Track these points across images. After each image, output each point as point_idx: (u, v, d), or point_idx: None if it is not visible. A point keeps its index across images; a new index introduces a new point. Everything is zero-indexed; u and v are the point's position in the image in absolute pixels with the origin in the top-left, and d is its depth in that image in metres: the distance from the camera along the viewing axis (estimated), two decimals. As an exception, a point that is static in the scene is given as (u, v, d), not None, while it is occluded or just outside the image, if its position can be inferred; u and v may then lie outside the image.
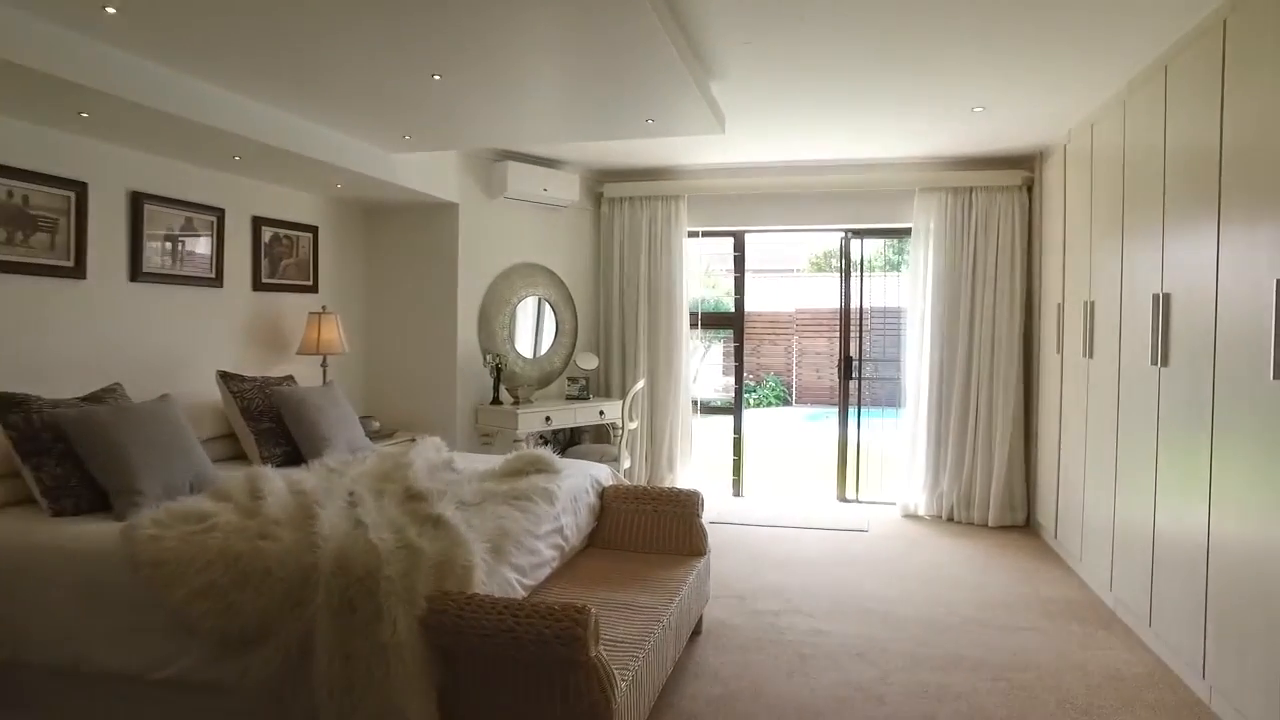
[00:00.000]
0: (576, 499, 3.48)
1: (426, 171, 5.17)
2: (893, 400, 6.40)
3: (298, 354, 4.93)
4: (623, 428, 5.68)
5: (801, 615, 3.94)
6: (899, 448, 6.11)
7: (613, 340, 6.40)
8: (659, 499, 3.69)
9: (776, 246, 24.68)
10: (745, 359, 19.35)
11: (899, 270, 6.43)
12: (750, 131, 5.03)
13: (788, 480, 9.15)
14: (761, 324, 18.23)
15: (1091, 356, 4.24)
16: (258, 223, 4.74)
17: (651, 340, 6.34)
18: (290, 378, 4.49)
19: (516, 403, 5.61)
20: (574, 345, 6.40)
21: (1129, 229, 3.73)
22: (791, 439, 12.28)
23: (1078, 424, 4.46)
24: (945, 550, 5.08)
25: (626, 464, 5.84)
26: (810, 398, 17.09)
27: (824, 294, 20.56)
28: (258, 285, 4.76)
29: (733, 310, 6.58)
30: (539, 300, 6.15)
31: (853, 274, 6.32)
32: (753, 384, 17.38)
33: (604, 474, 3.90)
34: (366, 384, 5.79)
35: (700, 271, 6.71)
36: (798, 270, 22.97)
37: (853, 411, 6.38)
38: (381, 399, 5.76)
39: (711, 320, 7.05)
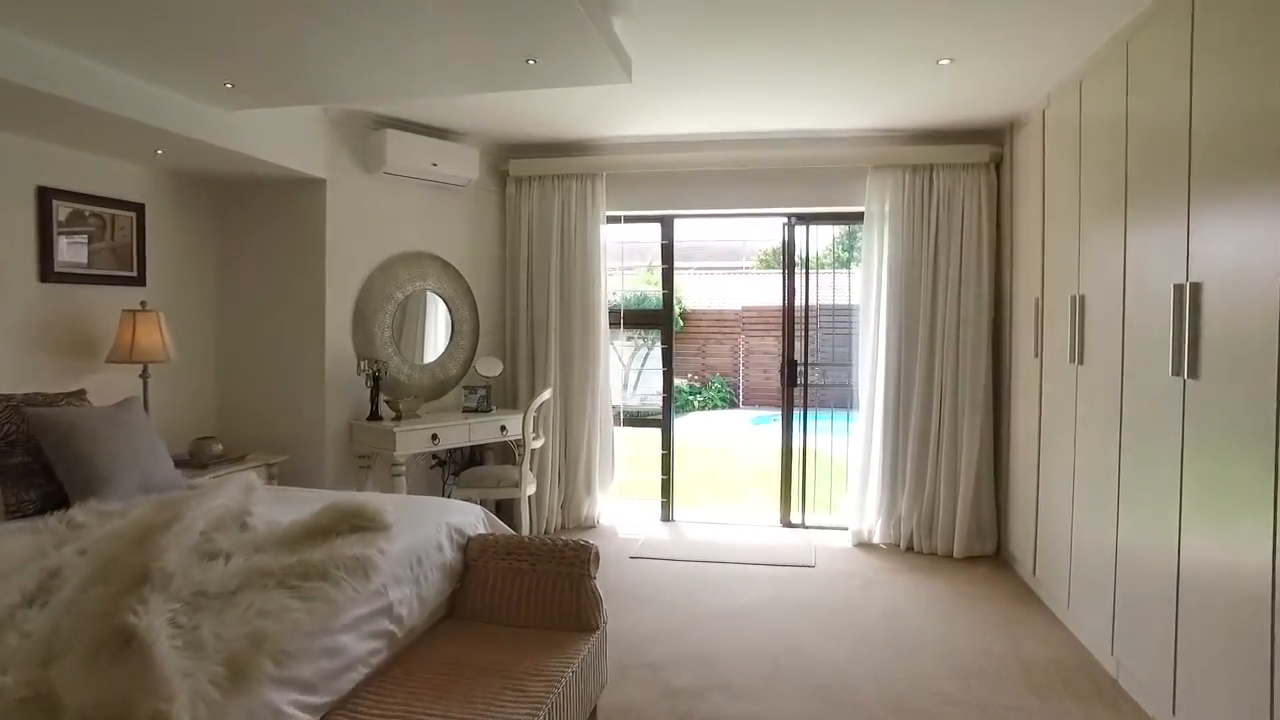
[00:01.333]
0: (421, 560, 2.57)
1: (281, 138, 4.21)
2: (844, 402, 5.61)
3: (108, 362, 3.93)
4: (525, 446, 4.76)
5: (730, 694, 3.09)
6: (852, 464, 5.31)
7: (520, 342, 5.49)
8: (540, 554, 2.80)
9: (724, 240, 23.98)
10: (689, 360, 18.23)
11: (849, 268, 5.62)
12: (670, 91, 4.17)
13: (729, 496, 8.35)
14: (707, 323, 17.46)
15: (1082, 362, 3.46)
16: (47, 195, 3.73)
17: (564, 342, 5.45)
18: (80, 393, 3.51)
19: (399, 418, 4.68)
20: (474, 348, 5.47)
21: (1137, 208, 2.95)
22: (736, 445, 11.49)
23: (1063, 442, 3.69)
24: (905, 592, 4.28)
25: (531, 489, 4.93)
26: (758, 399, 16.36)
27: (772, 292, 19.83)
28: (48, 275, 3.76)
29: (660, 307, 5.71)
30: (430, 296, 5.21)
31: (797, 266, 5.50)
32: (698, 386, 16.59)
33: (471, 519, 3.00)
34: (220, 397, 4.79)
35: (643, 266, 5.80)
36: (747, 268, 22.32)
37: (798, 420, 5.56)
38: (236, 415, 4.77)
39: (636, 319, 6.16)
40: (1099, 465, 3.25)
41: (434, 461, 5.25)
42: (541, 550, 2.80)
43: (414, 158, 4.80)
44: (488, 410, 5.10)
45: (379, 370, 4.69)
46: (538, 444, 4.98)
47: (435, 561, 2.66)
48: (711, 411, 15.81)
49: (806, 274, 5.49)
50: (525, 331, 5.47)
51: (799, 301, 5.49)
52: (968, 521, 4.83)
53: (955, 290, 4.88)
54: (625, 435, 6.15)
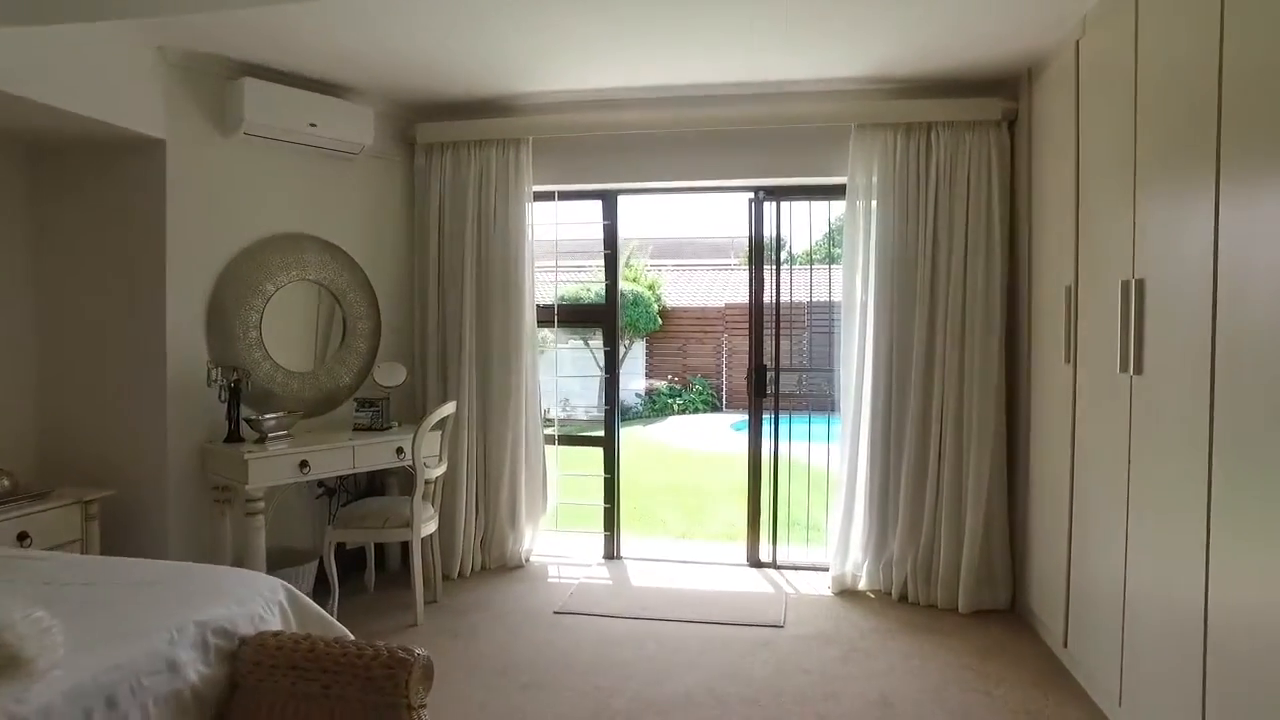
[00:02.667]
0: (116, 700, 1.60)
1: (99, 85, 3.25)
2: (826, 405, 4.66)
3: None
4: (417, 476, 3.78)
5: None
6: (834, 494, 4.36)
7: (430, 344, 4.51)
8: (339, 670, 1.83)
9: (708, 237, 23.15)
10: (669, 360, 17.11)
11: (837, 261, 4.66)
12: (604, 35, 3.21)
13: (697, 516, 7.38)
14: (688, 321, 16.52)
15: (1139, 371, 2.51)
16: None
17: (482, 344, 4.48)
18: None
19: (262, 439, 3.71)
20: (374, 352, 4.50)
21: (1236, 162, 1.99)
22: (714, 451, 10.51)
23: (1111, 473, 2.74)
24: (899, 666, 3.32)
25: (429, 528, 3.96)
26: (741, 402, 15.41)
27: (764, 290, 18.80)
28: None
29: (603, 301, 4.75)
30: (314, 289, 4.23)
31: (767, 251, 4.54)
32: (679, 388, 15.64)
33: (251, 608, 2.02)
34: (40, 413, 3.81)
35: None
36: (737, 264, 21.39)
37: (768, 435, 4.60)
38: (54, 436, 3.79)
39: (576, 315, 5.18)
40: (1172, 504, 2.30)
41: (320, 491, 4.27)
42: (341, 664, 1.83)
43: (284, 116, 3.82)
44: (384, 428, 4.12)
45: (238, 380, 3.72)
46: (436, 471, 4.00)
47: (160, 693, 1.69)
48: (692, 415, 14.87)
49: (778, 261, 4.52)
50: (436, 331, 4.50)
51: (769, 296, 4.53)
52: (975, 568, 3.87)
53: (959, 280, 3.93)
54: (580, 454, 5.21)
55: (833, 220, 4.50)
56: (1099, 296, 2.85)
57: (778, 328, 4.53)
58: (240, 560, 3.60)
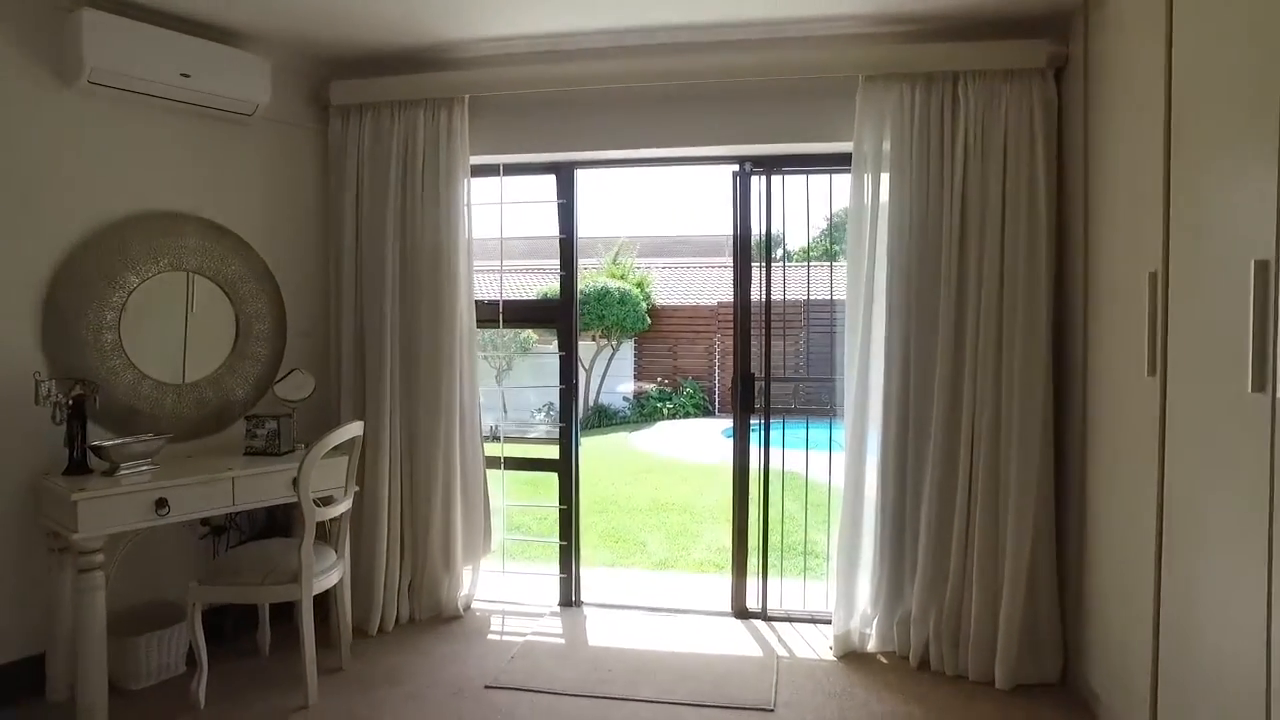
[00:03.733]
0: None
1: None
2: (828, 414, 3.87)
3: None
4: (305, 516, 2.96)
5: None
6: (837, 530, 3.57)
7: (345, 350, 3.71)
8: None
9: (707, 235, 22.45)
10: (659, 361, 16.07)
11: (840, 258, 3.86)
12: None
13: (680, 540, 6.56)
14: (679, 320, 15.72)
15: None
16: None
17: (408, 349, 3.68)
18: None
19: (113, 470, 2.91)
20: (277, 359, 3.69)
21: None
22: (704, 460, 9.66)
23: (1244, 523, 1.94)
24: (923, 772, 2.53)
25: (331, 579, 3.14)
26: (736, 406, 14.60)
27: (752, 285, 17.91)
28: None
29: (558, 296, 3.94)
30: (196, 281, 3.42)
31: (754, 238, 3.75)
32: (669, 390, 14.85)
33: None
34: None
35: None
36: (728, 263, 20.60)
37: (758, 455, 3.81)
38: None
39: (526, 314, 4.36)
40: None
41: (204, 530, 3.46)
42: None
43: (144, 61, 3.02)
44: (281, 452, 3.32)
45: (80, 396, 2.91)
46: (337, 509, 3.18)
47: None
48: (682, 420, 14.07)
49: (768, 249, 3.73)
50: (354, 333, 3.70)
51: (759, 291, 3.74)
52: (1017, 630, 3.08)
53: (994, 270, 3.14)
54: (538, 481, 4.41)
55: (836, 201, 3.70)
56: (1208, 285, 2.06)
57: (768, 329, 3.73)
58: (79, 628, 2.80)
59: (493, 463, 3.98)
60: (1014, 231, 3.11)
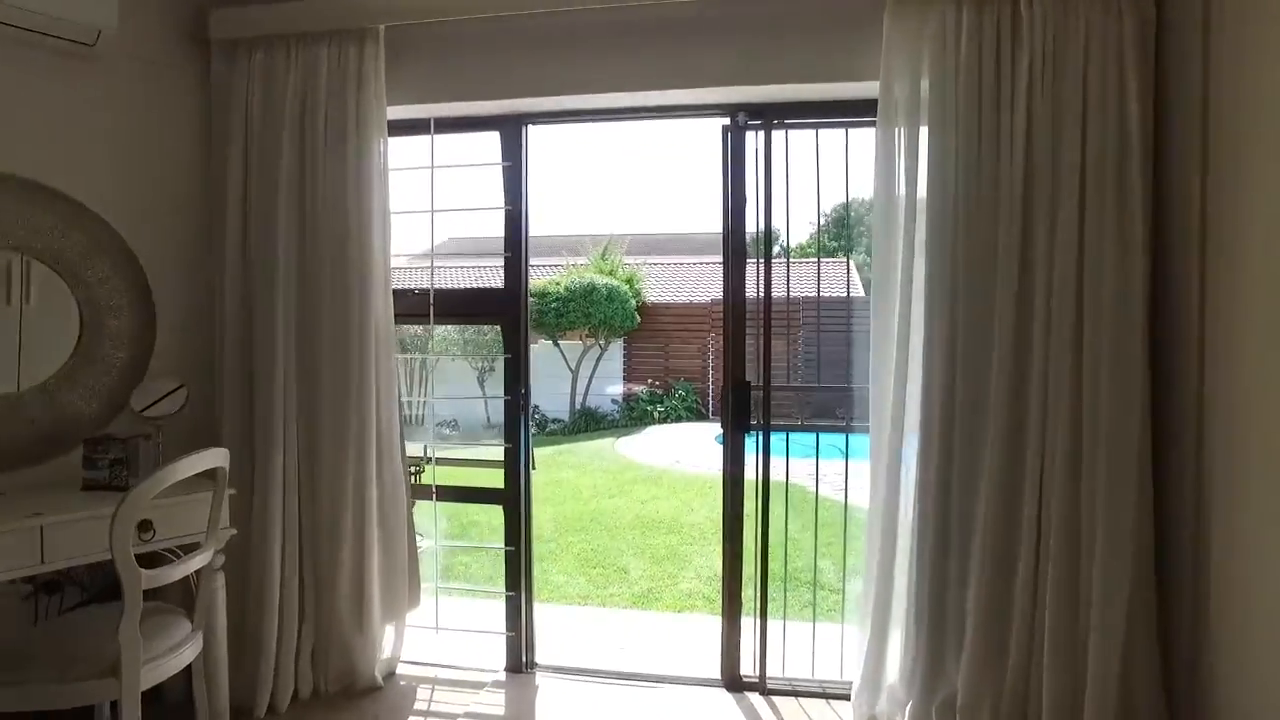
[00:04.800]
0: None
1: None
2: (843, 424, 3.09)
3: None
4: (123, 582, 2.14)
5: None
6: (859, 575, 2.80)
7: (228, 353, 2.90)
8: None
9: (703, 232, 21.71)
10: (650, 362, 15.09)
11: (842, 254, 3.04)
12: None
13: (661, 569, 5.75)
14: (671, 318, 14.93)
15: None
16: None
17: (307, 351, 2.87)
18: None
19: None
20: (142, 364, 2.89)
21: None
22: (697, 469, 8.79)
23: None
24: None
25: (182, 659, 2.33)
26: (731, 409, 13.82)
27: (746, 282, 16.98)
28: None
29: (501, 286, 3.13)
30: (19, 261, 2.61)
31: (749, 215, 2.96)
32: (660, 393, 14.07)
33: None
34: None
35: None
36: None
37: (755, 478, 3.02)
38: None
39: (463, 307, 3.52)
40: None
41: (28, 590, 2.65)
42: None
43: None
44: (130, 486, 2.51)
45: None
46: (187, 566, 2.37)
47: None
48: (674, 424, 13.28)
49: (767, 227, 2.93)
50: (239, 332, 2.89)
51: (756, 283, 2.95)
52: (1110, 713, 2.29)
53: (1071, 245, 2.35)
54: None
55: (855, 164, 2.91)
56: None
57: (768, 327, 2.93)
58: None
59: (423, 493, 3.18)
60: (1098, 200, 2.33)
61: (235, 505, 2.71)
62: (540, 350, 14.07)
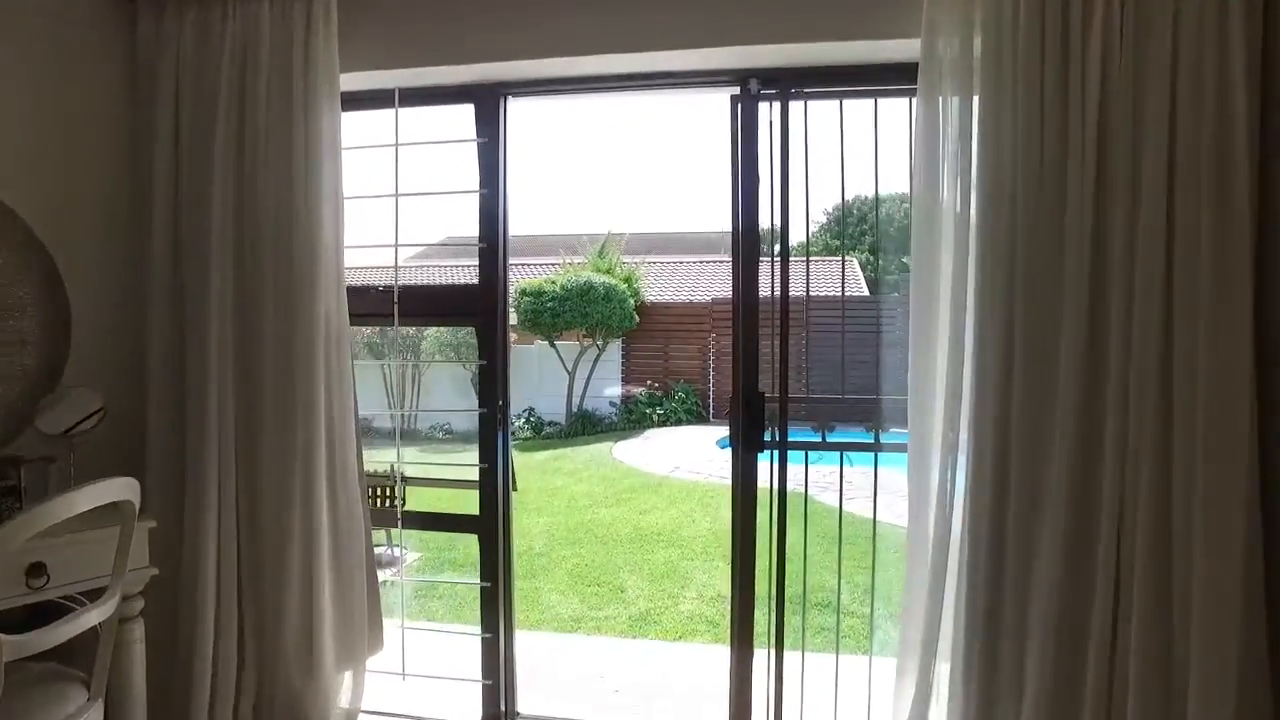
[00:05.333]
0: None
1: None
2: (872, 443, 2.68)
3: None
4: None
5: None
6: (891, 611, 2.45)
7: (155, 360, 2.49)
8: None
9: (699, 231, 21.41)
10: (649, 363, 15.11)
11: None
12: None
13: (660, 588, 5.33)
14: (671, 318, 14.52)
15: None
16: None
17: (246, 357, 2.46)
18: None
19: None
20: (54, 371, 2.47)
21: None
22: (697, 475, 8.34)
23: None
24: None
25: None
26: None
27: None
28: None
29: (476, 282, 2.71)
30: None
31: (759, 197, 2.54)
32: (659, 395, 13.66)
33: None
34: None
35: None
36: (724, 259, 19.36)
37: (769, 502, 2.59)
38: None
39: (429, 303, 3.06)
40: None
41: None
42: None
43: None
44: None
45: None
46: (79, 622, 1.95)
47: None
48: (674, 427, 12.87)
49: (784, 214, 2.52)
50: (168, 336, 2.48)
51: (771, 280, 2.54)
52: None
53: (1158, 232, 1.93)
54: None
55: (887, 139, 2.49)
56: None
57: (784, 330, 2.52)
58: None
59: (386, 518, 2.77)
60: (1190, 177, 1.91)
61: (162, 538, 2.31)
62: (536, 351, 13.68)
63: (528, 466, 10.17)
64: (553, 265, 15.22)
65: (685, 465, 9.60)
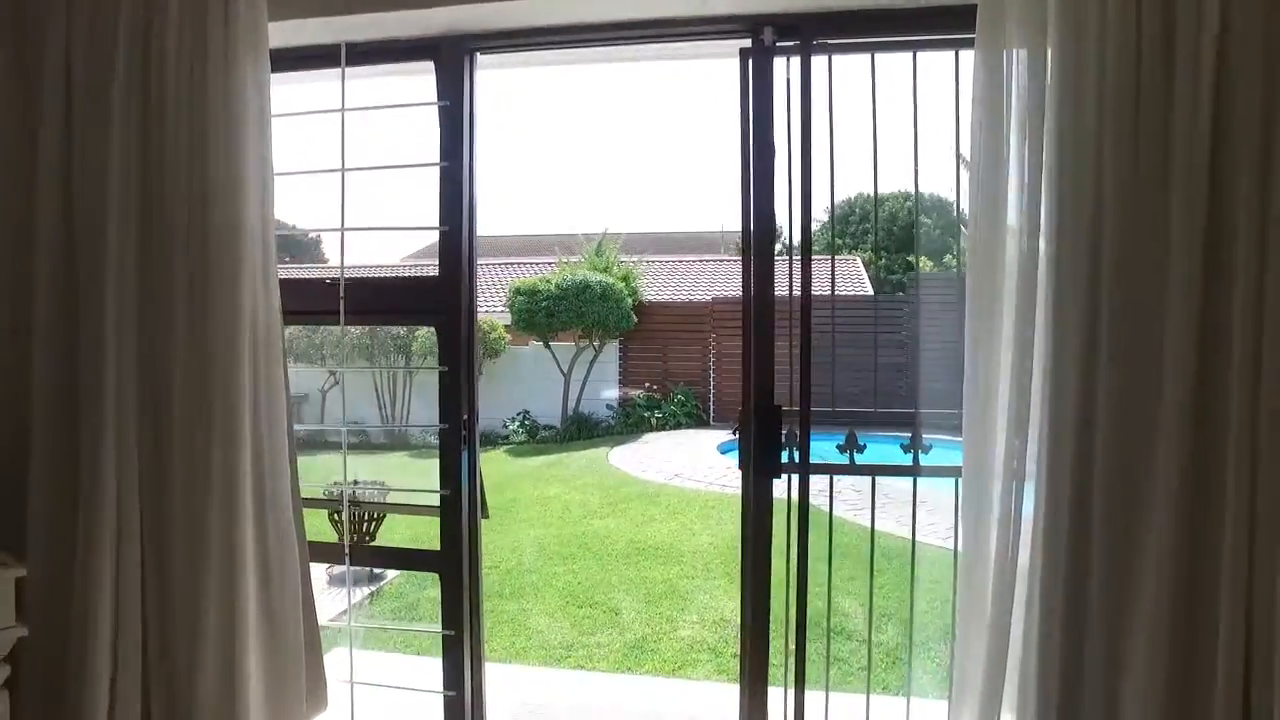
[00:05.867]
0: None
1: None
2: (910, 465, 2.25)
3: None
4: None
5: None
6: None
7: (41, 371, 2.05)
8: None
9: (696, 231, 21.12)
10: (647, 364, 15.12)
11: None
12: None
13: (658, 610, 4.88)
14: (670, 319, 14.09)
15: None
16: None
17: (151, 361, 2.03)
18: None
19: None
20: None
21: None
22: (697, 484, 7.84)
23: None
24: None
25: None
26: (733, 415, 13.02)
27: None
28: None
29: (435, 272, 2.27)
30: None
31: (772, 181, 2.12)
32: (657, 397, 13.24)
33: None
34: None
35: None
36: (724, 259, 18.93)
37: (790, 538, 2.17)
38: None
39: (380, 298, 2.60)
40: None
41: None
42: None
43: None
44: None
45: None
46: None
47: None
48: (673, 431, 12.45)
49: (805, 196, 2.09)
50: (59, 338, 2.05)
51: (788, 275, 2.12)
52: None
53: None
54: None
55: (931, 103, 2.07)
56: None
57: (807, 330, 2.10)
58: None
59: (328, 553, 2.35)
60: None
61: (42, 588, 1.88)
62: (530, 353, 13.28)
63: (520, 473, 9.76)
64: (548, 265, 14.82)
65: (685, 473, 9.18)
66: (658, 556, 6.27)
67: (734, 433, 2.25)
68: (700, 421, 13.11)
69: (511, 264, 17.00)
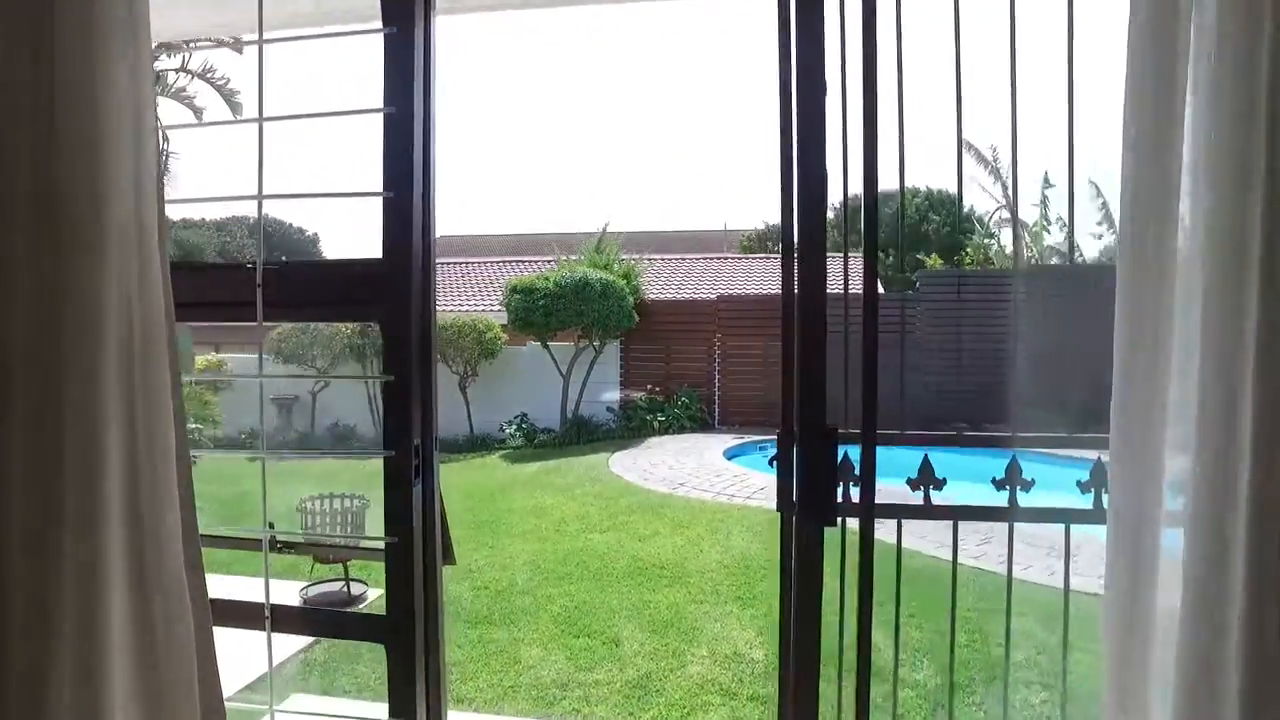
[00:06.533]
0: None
1: None
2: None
3: None
4: None
5: None
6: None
7: None
8: None
9: (696, 230, 20.84)
10: (650, 365, 14.88)
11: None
12: None
13: (662, 640, 4.32)
14: (674, 318, 13.58)
15: None
16: None
17: (20, 371, 1.50)
18: None
19: None
20: None
21: None
22: (702, 495, 7.20)
23: None
24: None
25: None
26: (739, 418, 12.56)
27: (756, 277, 15.83)
28: None
29: (379, 255, 1.74)
30: None
31: (824, 136, 1.59)
32: (660, 400, 12.73)
33: None
34: None
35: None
36: (727, 257, 18.40)
37: (843, 601, 1.65)
38: None
39: (309, 290, 2.06)
40: None
41: None
42: None
43: None
44: None
45: None
46: None
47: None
48: (676, 435, 11.94)
49: (870, 166, 1.56)
50: None
51: (842, 270, 1.59)
52: None
53: None
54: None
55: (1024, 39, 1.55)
56: None
57: (872, 334, 1.57)
58: None
59: (248, 614, 1.82)
60: None
61: None
62: (528, 353, 12.78)
63: (515, 481, 9.24)
64: (548, 263, 14.32)
65: (690, 481, 8.65)
66: (662, 577, 5.75)
67: (771, 463, 1.73)
68: (705, 425, 12.62)
69: (509, 262, 16.53)
